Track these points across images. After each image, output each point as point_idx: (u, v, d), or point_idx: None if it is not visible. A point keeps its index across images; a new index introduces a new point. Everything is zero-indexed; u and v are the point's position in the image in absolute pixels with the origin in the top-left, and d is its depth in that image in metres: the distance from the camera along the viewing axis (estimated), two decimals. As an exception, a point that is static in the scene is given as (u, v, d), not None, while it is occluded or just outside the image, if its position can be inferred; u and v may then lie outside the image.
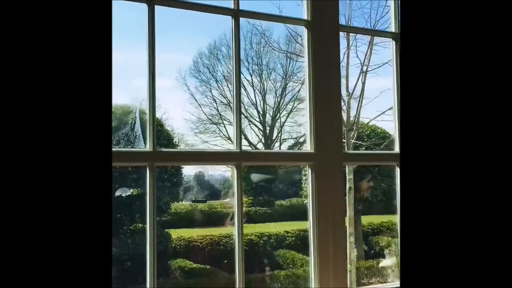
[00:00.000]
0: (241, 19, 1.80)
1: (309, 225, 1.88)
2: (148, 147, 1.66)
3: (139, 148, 8.95)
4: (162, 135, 10.84)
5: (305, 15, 1.93)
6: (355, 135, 8.50)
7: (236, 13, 1.79)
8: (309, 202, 1.88)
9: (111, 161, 1.08)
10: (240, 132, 1.79)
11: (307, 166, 1.89)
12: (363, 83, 8.40)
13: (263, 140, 16.89)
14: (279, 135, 17.29)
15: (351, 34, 8.10)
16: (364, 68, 8.37)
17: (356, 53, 8.52)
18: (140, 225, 8.31)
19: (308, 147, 1.91)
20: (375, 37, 8.43)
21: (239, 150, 1.78)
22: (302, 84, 13.56)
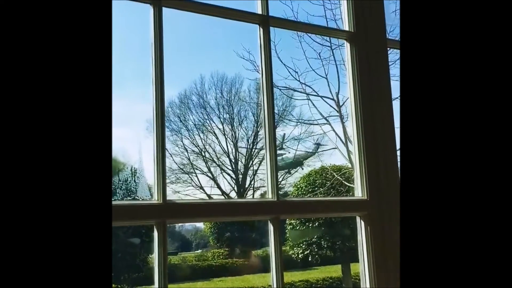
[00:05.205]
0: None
1: (364, 295, 1.41)
2: (156, 199, 1.19)
3: (142, 200, 8.22)
4: (139, 187, 10.23)
5: (346, 26, 1.53)
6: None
7: (265, 20, 1.38)
8: (363, 266, 1.43)
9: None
10: (276, 174, 1.33)
11: (358, 217, 1.45)
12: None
13: (235, 188, 16.36)
14: (252, 183, 16.83)
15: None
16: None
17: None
18: None
19: (359, 192, 1.46)
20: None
21: (276, 199, 1.32)
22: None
